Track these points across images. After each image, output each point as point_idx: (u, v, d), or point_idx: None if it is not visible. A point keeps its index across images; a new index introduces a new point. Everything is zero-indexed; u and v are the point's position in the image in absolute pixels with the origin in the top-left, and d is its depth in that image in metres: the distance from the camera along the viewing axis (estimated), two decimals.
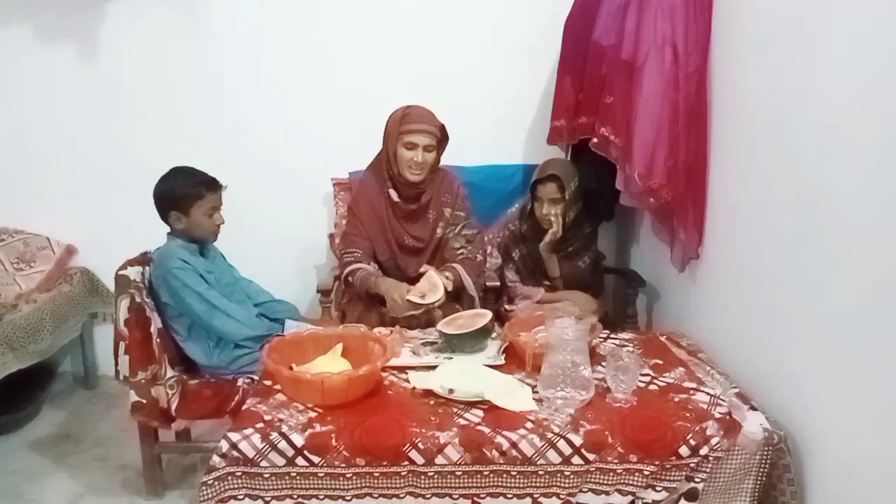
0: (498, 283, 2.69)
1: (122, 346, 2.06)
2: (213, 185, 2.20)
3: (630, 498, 1.56)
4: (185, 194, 2.15)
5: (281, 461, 1.52)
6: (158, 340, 2.12)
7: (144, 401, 2.08)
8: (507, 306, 2.59)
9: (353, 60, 2.93)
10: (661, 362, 1.94)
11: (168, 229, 2.21)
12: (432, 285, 2.21)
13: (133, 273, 2.10)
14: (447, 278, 2.26)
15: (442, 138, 2.34)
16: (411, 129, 2.28)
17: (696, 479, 1.57)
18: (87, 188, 3.00)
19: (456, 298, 2.37)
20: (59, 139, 2.98)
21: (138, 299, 2.07)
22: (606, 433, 1.57)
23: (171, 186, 2.16)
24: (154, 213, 2.19)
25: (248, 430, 1.55)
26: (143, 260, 2.19)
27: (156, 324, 2.13)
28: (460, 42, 2.91)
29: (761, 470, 1.60)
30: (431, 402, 1.69)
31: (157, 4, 2.86)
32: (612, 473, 1.55)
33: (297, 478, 1.53)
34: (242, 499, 1.54)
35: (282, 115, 2.97)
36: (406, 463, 1.52)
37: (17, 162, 2.99)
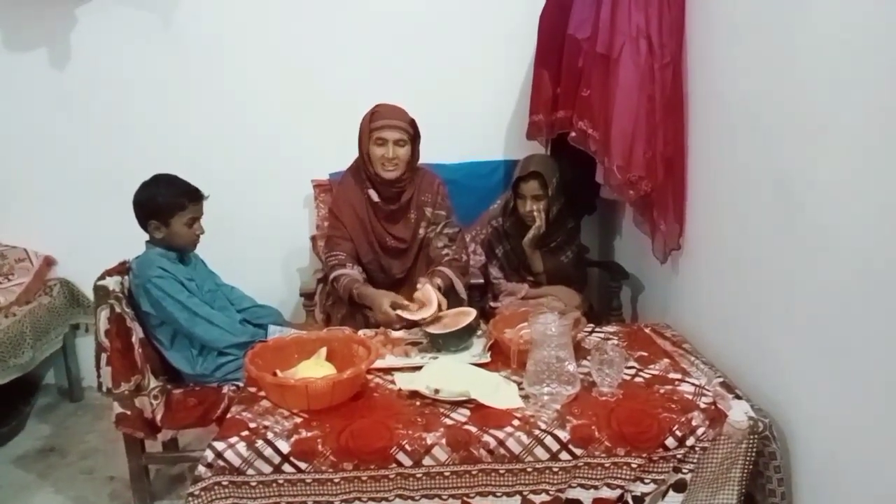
0: (482, 281, 2.69)
1: (103, 357, 2.04)
2: (194, 196, 2.17)
3: (619, 491, 1.57)
4: (166, 204, 2.12)
5: (267, 469, 1.51)
6: (140, 350, 2.09)
7: (129, 412, 2.06)
8: (492, 303, 2.59)
9: (330, 60, 2.91)
10: (646, 354, 1.95)
11: (147, 237, 2.19)
12: (427, 300, 2.13)
13: (112, 283, 2.07)
14: (439, 287, 2.20)
15: (414, 134, 2.33)
16: (380, 126, 2.27)
17: (684, 470, 1.58)
18: (64, 198, 2.96)
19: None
20: (34, 148, 2.94)
21: (118, 310, 2.04)
22: (593, 427, 1.57)
23: (151, 195, 2.14)
24: (133, 222, 2.16)
25: (234, 439, 1.54)
26: (122, 269, 2.16)
27: (137, 334, 2.10)
28: (437, 40, 2.90)
29: (748, 458, 1.60)
30: (417, 403, 1.68)
31: (130, 8, 2.82)
32: (600, 468, 1.56)
33: (285, 485, 1.52)
34: None
35: (260, 117, 2.94)
36: (394, 465, 1.52)
37: None
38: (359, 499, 1.53)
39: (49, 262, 3.01)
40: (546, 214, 2.50)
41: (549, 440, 1.54)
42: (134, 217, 2.16)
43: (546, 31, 2.62)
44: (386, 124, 2.27)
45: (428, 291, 2.13)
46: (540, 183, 2.48)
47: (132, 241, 2.19)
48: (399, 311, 2.11)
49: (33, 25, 2.83)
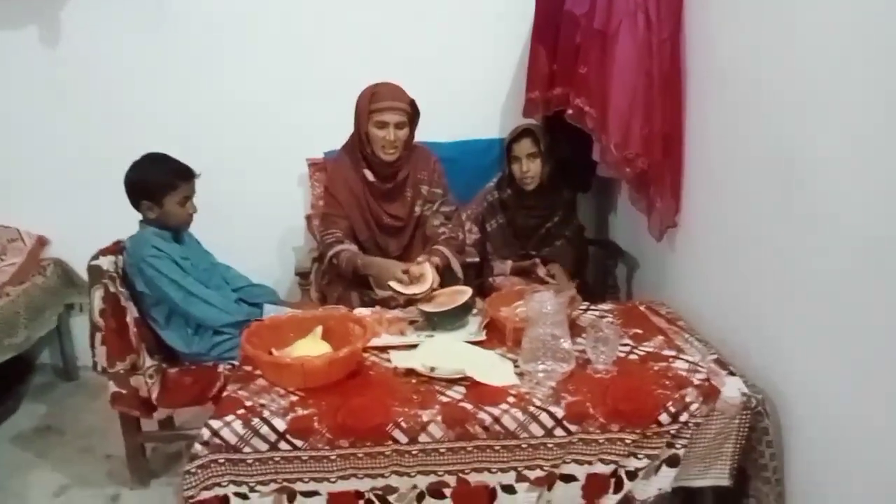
0: (477, 259, 2.69)
1: (98, 337, 2.04)
2: (186, 175, 2.15)
3: (613, 467, 1.58)
4: (157, 184, 2.11)
5: (264, 446, 1.52)
6: (135, 330, 2.09)
7: (124, 391, 2.06)
8: (491, 278, 2.60)
9: (323, 37, 2.88)
10: (640, 332, 1.95)
11: (140, 216, 2.17)
12: (423, 277, 2.11)
13: (106, 263, 2.06)
14: (437, 266, 2.19)
15: (413, 114, 2.31)
16: (381, 108, 2.24)
17: (677, 446, 1.59)
18: (57, 177, 2.93)
19: (440, 279, 2.35)
20: (25, 129, 2.90)
21: (112, 289, 2.04)
22: (588, 404, 1.58)
23: (142, 175, 2.12)
24: (126, 201, 2.14)
25: (230, 417, 1.54)
26: (116, 249, 2.15)
27: (132, 313, 2.10)
28: (431, 16, 2.87)
29: (740, 434, 1.62)
30: (413, 381, 1.68)
31: None
32: (594, 444, 1.57)
33: (281, 462, 1.53)
34: (227, 485, 1.54)
35: (253, 96, 2.91)
36: (390, 442, 1.52)
37: None
38: (355, 475, 1.54)
39: (42, 242, 2.99)
40: (541, 178, 2.54)
41: (544, 417, 1.55)
42: (125, 197, 2.14)
43: (543, 7, 2.59)
44: (387, 106, 2.24)
45: (424, 268, 2.12)
46: (532, 140, 2.51)
47: (126, 220, 2.17)
48: (392, 283, 2.10)
49: (22, 8, 2.78)
